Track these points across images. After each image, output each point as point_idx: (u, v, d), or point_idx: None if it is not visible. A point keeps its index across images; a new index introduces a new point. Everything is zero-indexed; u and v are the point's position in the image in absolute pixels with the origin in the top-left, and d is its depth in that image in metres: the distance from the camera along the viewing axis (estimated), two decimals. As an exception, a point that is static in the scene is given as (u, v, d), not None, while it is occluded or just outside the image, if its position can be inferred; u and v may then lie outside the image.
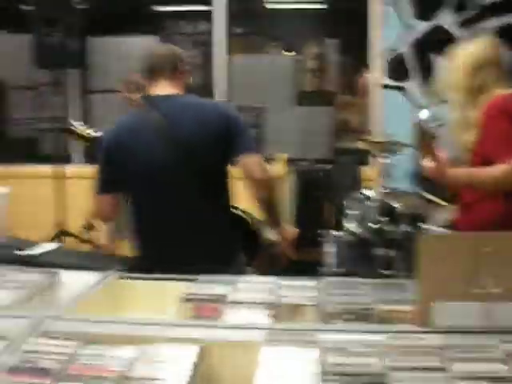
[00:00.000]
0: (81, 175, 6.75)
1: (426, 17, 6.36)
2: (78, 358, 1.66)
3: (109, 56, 7.53)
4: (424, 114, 4.14)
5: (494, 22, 6.34)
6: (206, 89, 7.39)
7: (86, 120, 7.26)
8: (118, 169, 3.14)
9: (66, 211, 6.28)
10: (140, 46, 7.40)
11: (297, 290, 2.24)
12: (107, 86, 7.40)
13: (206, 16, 8.85)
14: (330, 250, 4.88)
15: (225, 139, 3.10)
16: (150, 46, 3.28)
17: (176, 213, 3.12)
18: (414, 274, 1.90)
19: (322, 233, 4.91)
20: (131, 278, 2.52)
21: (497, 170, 3.08)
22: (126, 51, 7.48)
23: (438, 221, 3.63)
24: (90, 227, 5.68)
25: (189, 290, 2.22)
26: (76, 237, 5.89)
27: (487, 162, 3.12)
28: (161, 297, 2.33)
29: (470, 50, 3.35)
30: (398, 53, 6.25)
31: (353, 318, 2.03)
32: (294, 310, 2.09)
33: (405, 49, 6.39)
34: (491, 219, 3.16)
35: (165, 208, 3.12)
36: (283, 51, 8.45)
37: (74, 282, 2.42)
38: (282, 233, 3.31)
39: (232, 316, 2.07)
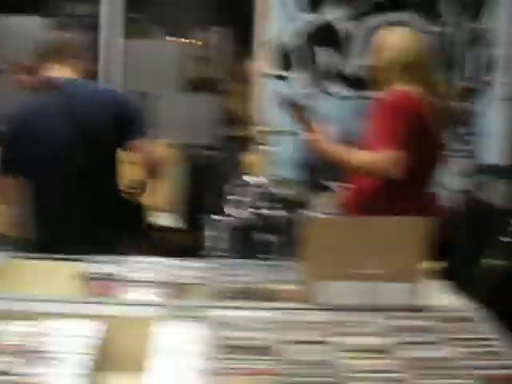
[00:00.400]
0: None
1: (311, 9, 6.49)
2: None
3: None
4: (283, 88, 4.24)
5: (382, 18, 6.55)
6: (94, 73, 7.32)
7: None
8: (20, 151, 3.15)
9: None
10: (25, 26, 7.25)
11: (185, 270, 2.30)
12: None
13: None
14: (210, 234, 4.95)
15: (120, 123, 3.18)
16: (47, 29, 3.26)
17: (71, 194, 3.16)
18: (296, 256, 2.00)
19: (203, 217, 4.98)
20: (25, 257, 2.52)
21: (369, 155, 3.22)
22: (8, 31, 7.30)
23: (321, 207, 3.75)
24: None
25: (82, 269, 2.25)
26: None
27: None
28: (55, 276, 2.33)
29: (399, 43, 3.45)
30: (281, 43, 6.34)
31: (239, 296, 2.11)
32: (184, 288, 2.16)
33: (288, 39, 6.50)
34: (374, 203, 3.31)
35: (61, 189, 3.15)
36: (168, 37, 8.43)
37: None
38: None
39: (125, 293, 2.11)
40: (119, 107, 3.23)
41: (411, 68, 3.36)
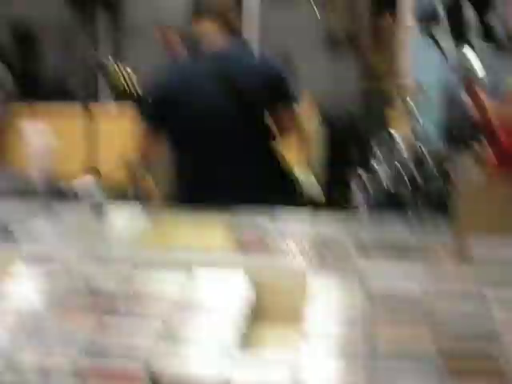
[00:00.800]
0: (110, 114, 6.83)
1: None
2: (134, 281, 1.76)
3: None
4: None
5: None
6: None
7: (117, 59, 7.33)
8: (169, 109, 3.17)
9: (96, 149, 6.32)
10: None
11: (336, 223, 2.32)
12: (139, 24, 7.41)
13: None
14: (356, 190, 4.94)
15: (273, 92, 3.19)
16: None
17: (224, 160, 3.17)
18: (445, 211, 1.97)
19: (350, 173, 4.96)
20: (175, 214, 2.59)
21: None
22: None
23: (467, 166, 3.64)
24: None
25: (235, 221, 2.30)
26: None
27: None
28: (208, 228, 2.39)
29: None
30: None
31: (390, 251, 2.11)
32: (335, 241, 2.17)
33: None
34: None
35: (213, 155, 3.17)
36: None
37: (120, 214, 2.51)
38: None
39: (276, 245, 2.15)
40: (274, 76, 3.23)
41: None
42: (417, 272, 1.80)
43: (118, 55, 7.49)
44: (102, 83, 7.11)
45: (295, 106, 3.31)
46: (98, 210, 2.49)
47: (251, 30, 7.09)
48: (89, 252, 1.94)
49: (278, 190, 3.26)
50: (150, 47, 5.92)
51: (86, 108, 6.37)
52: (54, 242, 2.12)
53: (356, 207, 4.30)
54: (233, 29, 3.27)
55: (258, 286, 1.82)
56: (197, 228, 2.41)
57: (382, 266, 1.85)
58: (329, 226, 2.30)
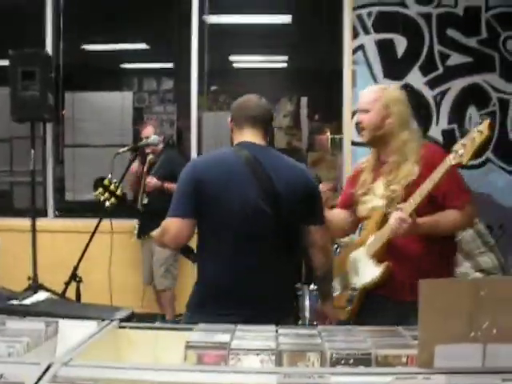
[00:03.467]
0: (55, 229, 6.80)
1: (395, 76, 6.58)
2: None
3: (83, 110, 7.61)
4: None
5: (460, 82, 6.60)
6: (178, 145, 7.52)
7: (61, 173, 7.35)
8: (204, 200, 3.09)
9: (40, 264, 6.28)
10: (113, 101, 7.53)
11: (297, 337, 2.30)
12: (81, 141, 7.49)
13: (172, 73, 9.02)
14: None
15: (307, 206, 3.14)
16: (248, 97, 3.20)
17: (252, 261, 3.09)
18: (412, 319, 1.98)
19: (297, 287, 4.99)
20: (131, 327, 2.56)
21: (456, 214, 3.28)
22: (99, 106, 7.57)
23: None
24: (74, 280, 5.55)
25: (191, 338, 2.26)
26: (53, 292, 5.76)
27: (437, 206, 3.26)
28: (162, 346, 2.36)
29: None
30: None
31: (355, 362, 2.10)
32: (297, 356, 2.15)
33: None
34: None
35: (242, 252, 3.08)
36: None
37: (74, 331, 2.46)
38: (326, 307, 3.39)
39: (237, 363, 2.12)
40: (311, 189, 3.20)
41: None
42: None
43: (61, 169, 7.54)
44: (49, 198, 7.12)
45: (325, 226, 3.27)
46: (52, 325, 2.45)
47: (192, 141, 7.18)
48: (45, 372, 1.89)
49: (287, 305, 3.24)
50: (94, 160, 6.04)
51: (33, 223, 6.33)
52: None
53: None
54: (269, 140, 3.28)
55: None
56: (153, 345, 2.39)
57: (350, 380, 1.84)
58: (293, 338, 2.28)
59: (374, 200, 3.35)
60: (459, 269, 5.34)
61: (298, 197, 3.09)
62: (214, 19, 7.74)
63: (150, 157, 6.43)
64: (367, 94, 3.47)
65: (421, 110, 6.58)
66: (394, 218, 3.18)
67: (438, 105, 6.58)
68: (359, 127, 3.44)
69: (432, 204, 3.21)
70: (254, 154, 3.12)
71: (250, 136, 3.21)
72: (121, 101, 7.69)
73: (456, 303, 1.91)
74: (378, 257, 3.35)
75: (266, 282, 3.07)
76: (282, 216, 3.06)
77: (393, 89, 3.56)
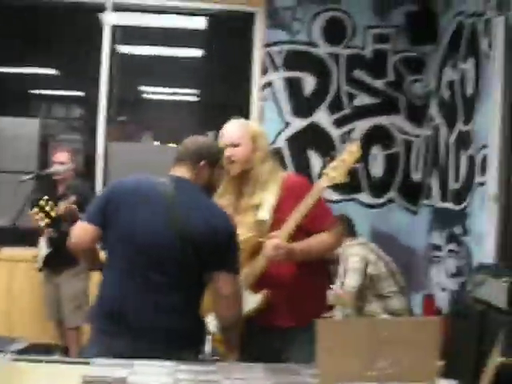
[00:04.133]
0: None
1: (302, 114, 6.68)
2: None
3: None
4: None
5: (366, 123, 6.75)
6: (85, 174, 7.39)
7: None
8: (112, 216, 3.09)
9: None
10: (19, 126, 7.39)
11: (196, 373, 2.29)
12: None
13: (81, 101, 8.94)
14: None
15: (216, 250, 3.03)
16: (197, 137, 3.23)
17: (147, 293, 3.02)
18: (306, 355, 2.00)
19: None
20: (26, 360, 2.50)
21: (326, 236, 3.40)
22: (4, 132, 7.42)
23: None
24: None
25: (88, 373, 2.22)
26: None
27: (305, 231, 3.34)
28: (59, 380, 2.32)
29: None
30: (275, 147, 6.49)
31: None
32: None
33: (282, 144, 6.66)
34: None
35: (136, 279, 3.03)
36: (157, 141, 8.57)
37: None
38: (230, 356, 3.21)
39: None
40: (226, 235, 3.07)
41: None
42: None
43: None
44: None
45: (238, 275, 3.12)
46: None
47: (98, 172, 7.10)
48: None
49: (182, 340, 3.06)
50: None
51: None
52: None
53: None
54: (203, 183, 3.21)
55: None
56: (48, 380, 2.34)
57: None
58: (191, 374, 2.27)
59: (242, 233, 3.36)
60: (369, 307, 5.43)
61: (207, 239, 3.02)
62: (125, 49, 7.72)
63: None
64: (235, 128, 3.54)
65: (325, 149, 6.69)
66: (270, 245, 3.25)
67: (344, 144, 6.70)
68: (229, 161, 3.48)
69: (300, 230, 3.31)
70: (176, 187, 3.10)
71: (177, 170, 3.19)
72: (27, 127, 7.55)
73: (353, 343, 1.94)
74: (254, 287, 3.38)
75: (157, 313, 3.01)
76: (187, 253, 3.01)
77: (254, 123, 3.70)
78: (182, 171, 3.18)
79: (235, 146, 3.46)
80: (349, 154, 3.28)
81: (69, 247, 3.23)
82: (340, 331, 1.97)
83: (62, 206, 5.41)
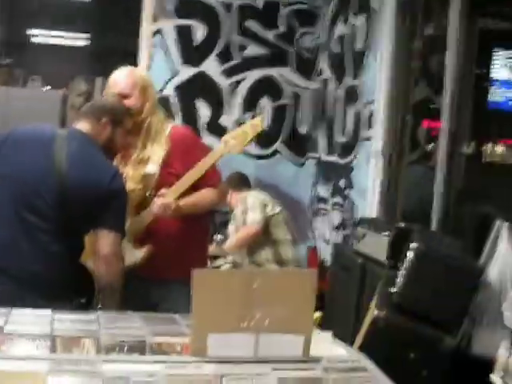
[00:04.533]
0: None
1: (193, 62, 6.60)
2: None
3: None
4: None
5: (256, 74, 6.72)
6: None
7: None
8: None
9: None
10: None
11: (73, 322, 2.24)
12: None
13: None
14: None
15: (98, 206, 2.95)
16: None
17: (26, 240, 2.97)
18: (184, 308, 1.98)
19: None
20: None
21: (211, 192, 3.43)
22: None
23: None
24: None
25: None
26: None
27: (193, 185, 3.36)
28: None
29: None
30: (163, 95, 6.40)
31: (129, 349, 2.07)
32: (72, 341, 2.10)
33: (170, 92, 6.57)
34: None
35: (11, 221, 2.98)
36: (48, 86, 8.35)
37: None
38: None
39: (10, 347, 2.03)
40: (109, 190, 2.97)
41: None
42: (158, 373, 1.78)
43: None
44: None
45: (119, 234, 3.02)
46: None
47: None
48: None
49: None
50: None
51: None
52: None
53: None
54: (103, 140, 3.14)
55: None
56: None
57: (123, 368, 1.81)
58: (68, 324, 2.23)
59: (129, 186, 3.31)
60: (259, 255, 5.47)
61: (85, 192, 2.94)
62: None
63: None
64: (124, 78, 3.44)
65: (214, 99, 6.65)
66: (158, 203, 3.25)
67: (232, 94, 6.67)
68: None
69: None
70: (69, 137, 3.04)
71: (78, 124, 3.13)
72: None
73: (229, 294, 1.92)
74: (138, 241, 3.36)
75: (36, 260, 2.95)
76: (65, 203, 2.94)
77: (142, 71, 3.62)
78: (83, 125, 3.12)
79: (125, 96, 3.37)
80: (251, 126, 3.30)
81: None
82: (215, 282, 1.95)
83: None
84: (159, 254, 3.33)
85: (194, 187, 3.35)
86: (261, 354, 1.95)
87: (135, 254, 3.34)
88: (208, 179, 3.39)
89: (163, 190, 3.26)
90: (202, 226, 3.62)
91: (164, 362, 1.86)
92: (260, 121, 3.34)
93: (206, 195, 3.41)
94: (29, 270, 2.93)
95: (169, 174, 3.32)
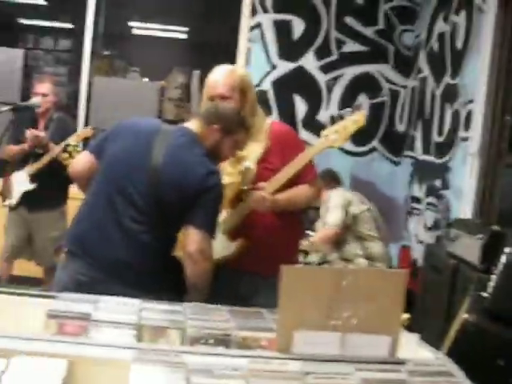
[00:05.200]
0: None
1: (291, 58, 6.61)
2: None
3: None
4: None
5: (353, 70, 6.69)
6: (69, 108, 7.32)
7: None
8: (107, 147, 3.12)
9: None
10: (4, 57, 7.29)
11: (160, 312, 2.28)
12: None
13: (69, 34, 8.82)
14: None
15: (191, 203, 2.98)
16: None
17: (116, 225, 3.02)
18: (274, 303, 2.00)
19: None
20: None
21: (307, 189, 3.37)
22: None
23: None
24: None
25: (53, 307, 2.21)
26: None
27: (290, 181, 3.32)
28: (25, 312, 2.31)
29: None
30: (260, 89, 6.43)
31: (214, 342, 2.10)
32: (158, 331, 2.14)
33: (267, 86, 6.60)
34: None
35: (111, 211, 3.03)
36: (145, 78, 8.48)
37: None
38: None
39: (97, 334, 2.09)
40: (204, 187, 2.99)
41: None
42: (242, 368, 1.79)
43: None
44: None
45: (208, 233, 3.01)
46: None
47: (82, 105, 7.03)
48: None
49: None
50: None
51: None
52: None
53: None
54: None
55: (79, 376, 1.76)
56: (13, 312, 2.33)
57: (207, 360, 1.84)
58: (157, 313, 2.27)
59: (224, 179, 3.34)
60: (348, 248, 5.46)
61: (179, 188, 2.98)
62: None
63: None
64: (223, 80, 3.38)
65: (311, 94, 6.65)
66: (256, 197, 3.24)
67: (330, 90, 6.66)
68: None
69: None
70: (175, 133, 3.10)
71: (189, 123, 3.19)
72: (11, 57, 7.45)
73: (317, 291, 1.93)
74: (233, 233, 3.37)
75: (123, 247, 3.00)
76: (158, 196, 2.99)
77: (243, 72, 3.57)
78: (192, 125, 3.16)
79: (225, 98, 3.33)
80: (352, 121, 3.23)
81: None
82: (304, 278, 1.96)
83: (28, 133, 5.25)
84: (253, 248, 3.34)
85: (291, 183, 3.33)
86: (346, 353, 1.95)
87: (228, 247, 3.37)
88: (305, 176, 3.37)
89: (261, 184, 3.27)
90: (296, 222, 3.58)
91: (248, 357, 1.88)
92: (362, 116, 3.28)
93: (302, 191, 3.38)
94: (117, 258, 2.98)
95: (266, 169, 3.30)
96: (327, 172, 5.68)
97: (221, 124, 3.11)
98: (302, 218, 3.82)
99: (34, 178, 5.37)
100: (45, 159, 5.31)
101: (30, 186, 5.38)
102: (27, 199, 5.43)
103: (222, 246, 3.32)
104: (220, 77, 3.39)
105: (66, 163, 4.96)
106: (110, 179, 3.06)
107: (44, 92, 5.51)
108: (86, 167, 3.20)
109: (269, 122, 3.50)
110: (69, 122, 5.89)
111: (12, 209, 5.56)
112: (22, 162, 5.43)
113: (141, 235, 3.01)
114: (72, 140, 5.19)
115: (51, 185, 5.34)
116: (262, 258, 3.29)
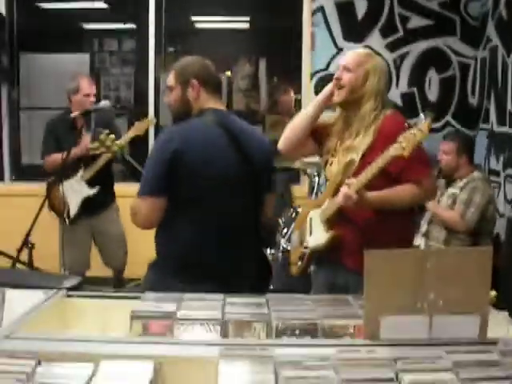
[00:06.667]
0: (11, 193, 6.70)
1: (355, 39, 6.53)
2: (36, 377, 1.68)
3: (39, 73, 7.46)
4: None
5: (421, 46, 6.57)
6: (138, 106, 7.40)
7: (17, 137, 7.23)
8: (182, 174, 2.96)
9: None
10: (69, 63, 7.39)
11: (244, 306, 2.28)
12: (36, 103, 7.35)
13: (133, 34, 8.90)
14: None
15: (271, 173, 3.25)
16: (201, 59, 3.25)
17: (233, 225, 3.07)
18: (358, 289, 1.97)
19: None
20: (79, 296, 2.53)
21: (410, 188, 3.28)
22: (55, 68, 7.44)
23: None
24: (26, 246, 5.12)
25: (137, 308, 2.23)
26: (10, 257, 5.31)
27: (392, 179, 3.24)
28: (109, 314, 2.34)
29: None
30: (327, 73, 6.38)
31: (300, 332, 2.09)
32: (243, 326, 2.13)
33: (335, 70, 6.53)
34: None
35: (226, 219, 3.04)
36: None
37: (21, 300, 2.42)
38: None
39: (182, 332, 2.10)
40: (270, 154, 3.27)
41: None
42: (330, 357, 1.77)
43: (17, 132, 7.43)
44: (5, 162, 7.02)
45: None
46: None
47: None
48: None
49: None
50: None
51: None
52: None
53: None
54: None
55: (167, 376, 1.76)
56: (99, 314, 2.36)
57: (294, 352, 1.83)
58: (239, 307, 2.27)
59: (335, 166, 3.36)
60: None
61: (264, 163, 3.16)
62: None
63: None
64: (354, 55, 3.44)
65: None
66: (342, 193, 3.20)
67: (398, 68, 6.56)
68: (337, 83, 3.40)
69: (386, 177, 3.20)
70: (226, 123, 3.09)
71: (216, 103, 3.17)
72: (78, 62, 7.56)
73: (402, 274, 1.90)
74: (329, 223, 3.39)
75: (242, 255, 3.10)
76: (257, 185, 3.11)
77: (377, 58, 3.52)
78: (219, 105, 3.19)
79: (347, 70, 3.39)
80: (419, 131, 3.10)
81: (134, 223, 3.09)
82: (387, 263, 1.93)
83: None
84: (345, 240, 3.34)
85: (393, 180, 3.26)
86: (435, 335, 1.92)
87: (321, 237, 3.40)
88: (411, 173, 3.27)
89: (349, 180, 3.21)
90: (399, 221, 3.38)
91: (336, 346, 1.86)
92: (427, 126, 3.11)
93: (405, 190, 3.27)
94: (233, 268, 3.05)
95: (367, 163, 3.21)
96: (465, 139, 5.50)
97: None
98: (409, 217, 3.60)
99: (92, 182, 5.23)
100: (101, 161, 5.19)
101: (91, 192, 5.25)
102: (86, 205, 5.28)
103: (319, 234, 3.44)
104: (351, 52, 3.52)
105: (98, 152, 4.97)
106: (217, 202, 3.02)
107: (94, 92, 5.37)
108: (159, 216, 3.03)
109: (384, 116, 3.40)
110: (106, 110, 5.40)
111: (73, 221, 5.33)
112: (68, 170, 5.18)
113: (251, 239, 3.18)
114: (131, 133, 5.17)
115: (106, 183, 5.35)
116: (352, 251, 3.22)
